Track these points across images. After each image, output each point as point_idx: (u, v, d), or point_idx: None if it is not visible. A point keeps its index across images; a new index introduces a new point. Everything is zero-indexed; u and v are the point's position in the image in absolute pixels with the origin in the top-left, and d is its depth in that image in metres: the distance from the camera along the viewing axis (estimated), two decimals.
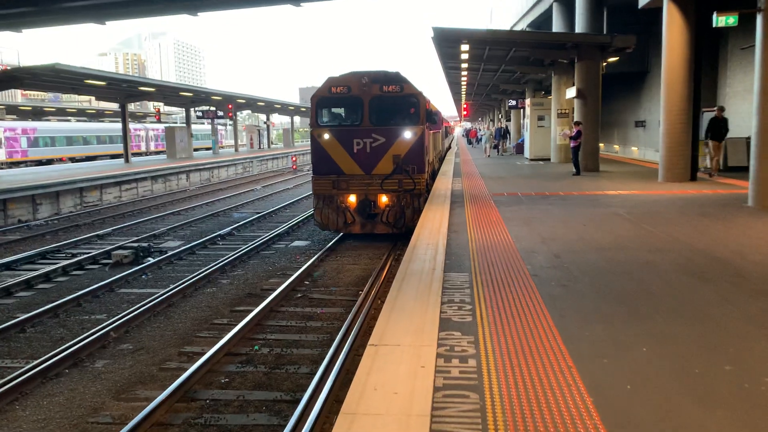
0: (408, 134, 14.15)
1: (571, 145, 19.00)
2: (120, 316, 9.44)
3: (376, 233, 14.66)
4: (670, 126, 15.40)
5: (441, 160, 26.70)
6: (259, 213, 21.01)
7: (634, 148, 34.19)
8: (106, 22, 22.52)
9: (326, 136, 14.32)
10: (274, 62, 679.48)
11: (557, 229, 9.41)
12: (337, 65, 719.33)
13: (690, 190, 14.13)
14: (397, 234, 14.60)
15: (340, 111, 14.97)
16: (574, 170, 18.99)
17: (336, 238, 15.27)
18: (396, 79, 14.15)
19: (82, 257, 13.99)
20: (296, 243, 15.66)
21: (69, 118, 65.62)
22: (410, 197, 14.24)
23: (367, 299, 9.85)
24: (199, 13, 21.49)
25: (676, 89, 15.15)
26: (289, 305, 10.10)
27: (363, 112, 14.14)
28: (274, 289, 10.76)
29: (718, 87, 23.72)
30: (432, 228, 9.72)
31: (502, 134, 32.47)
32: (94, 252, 14.56)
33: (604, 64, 20.26)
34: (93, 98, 35.37)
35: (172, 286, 11.26)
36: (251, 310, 9.51)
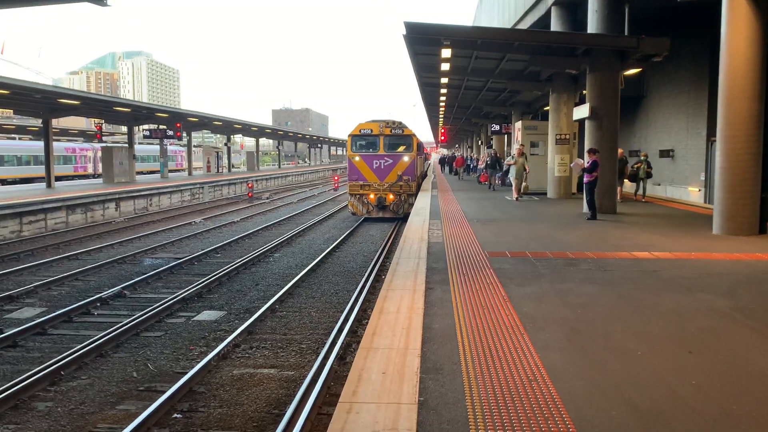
0: (406, 158, 23.29)
1: (585, 179, 14.50)
2: None
3: (386, 217, 23.59)
4: (732, 158, 11.03)
5: (423, 176, 36.84)
6: (178, 259, 16.11)
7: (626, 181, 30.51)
8: None
9: (357, 158, 23.45)
10: (249, 85, 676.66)
11: (645, 368, 4.57)
12: (311, 87, 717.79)
13: None
14: (395, 218, 23.53)
15: (365, 143, 23.59)
16: (587, 212, 14.59)
17: (265, 307, 10.51)
18: (400, 125, 23.39)
19: None
20: (204, 315, 10.83)
21: (15, 136, 60.29)
22: (407, 196, 23.31)
23: None
24: None
25: (743, 106, 10.80)
26: None
27: (379, 144, 23.31)
28: None
29: None
30: (391, 349, 4.98)
31: (494, 164, 25.64)
32: None
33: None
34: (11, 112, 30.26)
35: None
36: None
